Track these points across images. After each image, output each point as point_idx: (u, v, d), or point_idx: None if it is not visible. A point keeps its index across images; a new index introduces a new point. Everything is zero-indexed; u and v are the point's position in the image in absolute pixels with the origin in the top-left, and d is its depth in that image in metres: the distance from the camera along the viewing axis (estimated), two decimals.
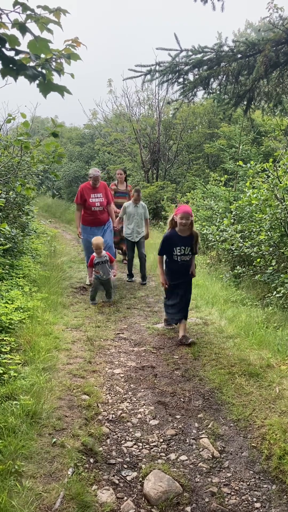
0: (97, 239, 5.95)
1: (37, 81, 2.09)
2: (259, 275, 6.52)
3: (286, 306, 5.63)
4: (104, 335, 4.94)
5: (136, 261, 7.74)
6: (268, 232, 6.43)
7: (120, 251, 8.64)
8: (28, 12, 2.02)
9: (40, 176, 7.25)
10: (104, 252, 6.00)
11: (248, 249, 6.83)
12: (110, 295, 6.27)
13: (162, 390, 3.75)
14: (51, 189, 20.76)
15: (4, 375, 3.30)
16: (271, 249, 6.34)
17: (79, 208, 6.89)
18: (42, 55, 2.12)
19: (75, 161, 21.02)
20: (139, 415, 3.37)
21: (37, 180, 7.52)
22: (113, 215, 7.18)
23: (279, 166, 6.84)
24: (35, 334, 4.18)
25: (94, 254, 5.96)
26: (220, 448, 3.00)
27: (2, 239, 6.04)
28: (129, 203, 7.45)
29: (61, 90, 2.21)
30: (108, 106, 40.54)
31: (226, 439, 3.10)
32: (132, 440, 3.06)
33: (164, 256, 4.97)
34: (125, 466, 2.80)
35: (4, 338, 3.94)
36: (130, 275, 7.80)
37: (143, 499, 2.53)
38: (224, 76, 4.42)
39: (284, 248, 6.16)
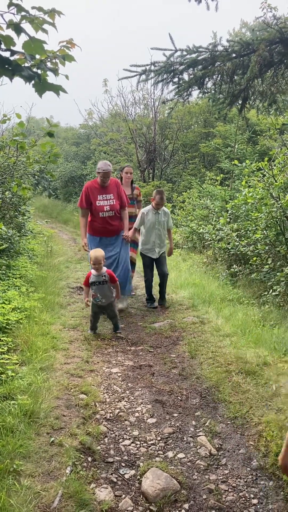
0: (96, 252, 4.75)
1: (32, 81, 2.10)
2: (255, 274, 6.55)
3: (282, 305, 5.66)
4: (102, 334, 4.95)
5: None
6: (264, 231, 6.46)
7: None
8: (23, 13, 2.03)
9: (36, 177, 7.21)
10: (104, 270, 4.78)
11: (244, 248, 6.86)
12: (117, 325, 5.13)
13: (160, 389, 3.77)
14: (47, 189, 20.74)
15: (2, 375, 3.30)
16: (267, 247, 6.37)
17: (84, 213, 5.51)
18: (37, 56, 2.13)
19: (71, 161, 21.02)
20: (137, 414, 3.39)
21: (33, 181, 7.49)
22: (127, 222, 5.70)
23: (275, 165, 6.87)
24: (32, 334, 4.19)
25: (92, 270, 4.82)
26: (217, 446, 3.02)
27: None
28: (148, 209, 5.88)
29: (57, 89, 2.22)
30: (104, 106, 40.58)
31: (223, 437, 3.12)
32: (129, 438, 3.07)
33: None
34: (123, 464, 2.81)
35: (1, 338, 3.94)
36: (151, 299, 6.20)
37: (141, 496, 2.54)
38: (219, 76, 4.44)
39: (280, 246, 6.19)
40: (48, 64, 2.24)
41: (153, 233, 5.91)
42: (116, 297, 4.99)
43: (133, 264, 6.48)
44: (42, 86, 2.19)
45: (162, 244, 6.03)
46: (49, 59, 2.23)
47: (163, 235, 6.03)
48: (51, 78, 2.27)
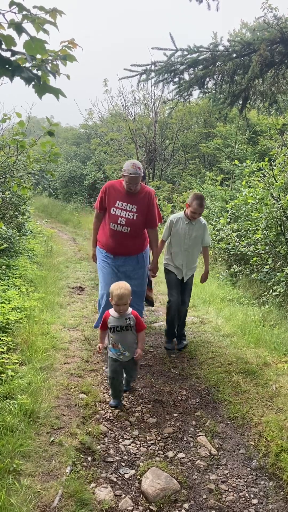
0: (119, 286, 3.28)
1: (32, 83, 2.10)
2: (255, 274, 6.55)
3: (282, 305, 5.66)
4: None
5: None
6: (264, 231, 6.46)
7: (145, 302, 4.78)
8: (24, 13, 2.02)
9: (36, 176, 7.21)
10: (129, 311, 3.38)
11: (244, 248, 6.86)
12: (129, 382, 3.74)
13: (160, 389, 3.77)
14: (47, 188, 20.78)
15: (2, 375, 3.30)
16: (267, 248, 6.37)
17: (97, 215, 4.24)
18: (38, 56, 2.13)
19: (71, 161, 21.03)
20: (137, 414, 3.39)
21: (33, 180, 7.49)
22: (156, 248, 4.31)
23: (275, 165, 6.87)
24: (32, 333, 4.19)
25: (111, 311, 3.41)
26: (217, 446, 3.02)
27: None
28: (179, 217, 4.43)
29: (56, 92, 2.22)
30: (104, 106, 40.59)
31: (223, 437, 3.12)
32: (129, 438, 3.07)
33: None
34: (123, 464, 2.81)
35: (1, 338, 3.94)
36: (170, 334, 4.67)
37: (141, 496, 2.54)
38: (220, 76, 4.44)
39: (280, 246, 6.19)
40: (49, 65, 2.23)
41: (181, 250, 4.43)
42: (136, 352, 3.42)
43: (148, 301, 5.06)
44: (42, 88, 2.19)
45: (192, 265, 4.55)
46: (50, 61, 2.23)
47: (195, 254, 4.54)
48: (52, 79, 2.27)
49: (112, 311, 3.39)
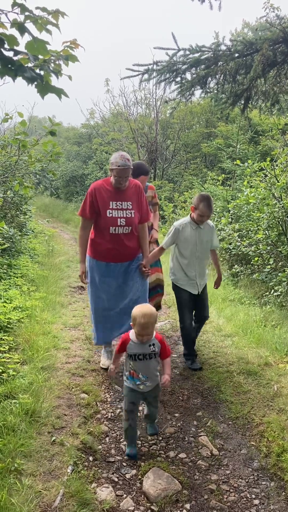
0: (143, 313, 2.73)
1: (35, 83, 2.11)
2: (257, 274, 6.54)
3: (284, 305, 5.65)
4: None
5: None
6: (266, 231, 6.45)
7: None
8: (27, 13, 2.02)
9: (37, 176, 7.21)
10: (153, 335, 2.88)
11: (245, 248, 6.85)
12: (154, 417, 3.15)
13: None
14: (49, 188, 20.78)
15: (3, 374, 3.30)
16: (268, 248, 6.36)
17: (86, 225, 3.79)
18: (40, 56, 2.13)
19: (73, 160, 21.03)
20: (138, 414, 3.38)
21: (35, 180, 7.49)
22: (146, 244, 3.92)
23: (277, 165, 6.86)
24: (33, 333, 4.19)
25: (131, 334, 2.90)
26: (218, 446, 3.02)
27: (0, 239, 6.04)
28: (185, 223, 3.97)
29: (59, 92, 2.22)
30: (106, 106, 40.55)
31: (225, 437, 3.12)
32: None
33: None
34: (124, 464, 2.81)
35: (3, 338, 3.94)
36: (190, 354, 4.18)
37: (143, 496, 2.54)
38: (222, 75, 4.44)
39: (281, 247, 6.19)
40: (51, 65, 2.23)
41: (193, 259, 3.99)
42: (164, 378, 2.91)
43: (160, 286, 4.69)
44: (44, 88, 2.19)
45: (204, 273, 4.13)
46: (52, 60, 2.23)
47: (206, 261, 4.13)
48: (54, 79, 2.27)
49: (132, 335, 2.89)
